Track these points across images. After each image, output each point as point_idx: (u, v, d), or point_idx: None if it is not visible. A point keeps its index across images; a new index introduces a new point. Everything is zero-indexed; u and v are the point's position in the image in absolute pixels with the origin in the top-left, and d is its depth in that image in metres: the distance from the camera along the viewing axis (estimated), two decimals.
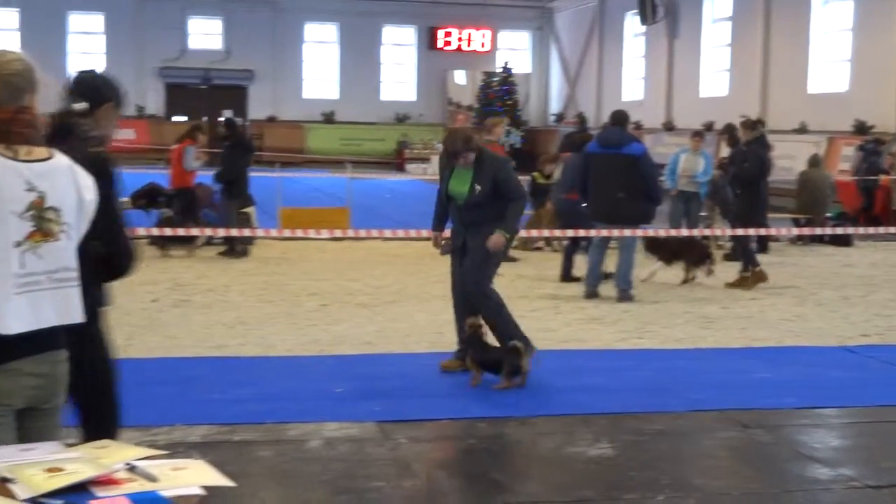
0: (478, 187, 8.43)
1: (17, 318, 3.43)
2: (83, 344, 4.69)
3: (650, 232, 14.18)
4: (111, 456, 3.23)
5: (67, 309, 3.59)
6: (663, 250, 13.89)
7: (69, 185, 3.59)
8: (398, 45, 45.27)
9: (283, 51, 43.08)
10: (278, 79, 42.74)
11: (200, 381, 8.21)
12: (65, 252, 3.56)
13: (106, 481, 3.02)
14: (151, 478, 3.05)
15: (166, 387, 7.97)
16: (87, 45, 41.91)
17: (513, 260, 15.28)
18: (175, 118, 41.05)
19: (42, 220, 3.48)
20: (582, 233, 12.56)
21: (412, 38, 45.34)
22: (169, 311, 11.16)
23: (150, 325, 10.19)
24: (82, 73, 4.87)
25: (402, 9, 43.85)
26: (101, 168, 4.44)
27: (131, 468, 3.11)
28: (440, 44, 45.08)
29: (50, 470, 3.03)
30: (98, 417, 4.87)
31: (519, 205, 8.59)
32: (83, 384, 4.69)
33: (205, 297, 12.04)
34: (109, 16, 41.91)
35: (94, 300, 4.68)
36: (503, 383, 8.14)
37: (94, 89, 4.69)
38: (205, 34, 42.95)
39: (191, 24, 42.81)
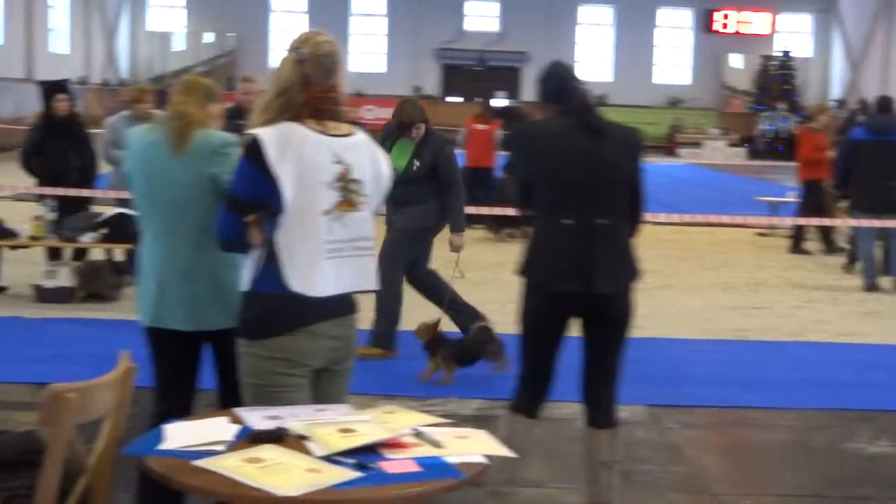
0: (416, 163, 8.03)
1: (325, 283, 3.64)
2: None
3: None
4: (398, 421, 3.36)
5: (364, 276, 3.78)
6: None
7: (368, 160, 3.78)
8: (673, 28, 44.64)
9: (557, 33, 43.19)
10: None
11: None
12: (364, 222, 3.75)
13: (394, 444, 3.14)
14: (437, 444, 3.16)
15: None
16: (369, 27, 43.26)
17: (807, 253, 14.81)
18: (450, 98, 41.88)
19: (347, 191, 3.68)
20: (865, 223, 12.06)
21: (688, 20, 44.62)
22: None
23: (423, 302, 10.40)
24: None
25: None
26: (639, 141, 5.10)
27: (417, 434, 3.22)
28: (717, 26, 44.19)
29: (343, 430, 3.18)
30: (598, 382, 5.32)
31: (458, 195, 8.07)
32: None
33: (477, 274, 12.20)
34: None
35: (631, 273, 4.95)
36: (501, 367, 7.60)
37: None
38: (481, 16, 43.61)
39: (467, 7, 43.53)
